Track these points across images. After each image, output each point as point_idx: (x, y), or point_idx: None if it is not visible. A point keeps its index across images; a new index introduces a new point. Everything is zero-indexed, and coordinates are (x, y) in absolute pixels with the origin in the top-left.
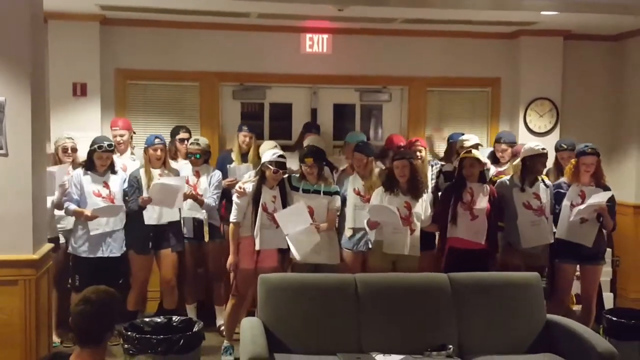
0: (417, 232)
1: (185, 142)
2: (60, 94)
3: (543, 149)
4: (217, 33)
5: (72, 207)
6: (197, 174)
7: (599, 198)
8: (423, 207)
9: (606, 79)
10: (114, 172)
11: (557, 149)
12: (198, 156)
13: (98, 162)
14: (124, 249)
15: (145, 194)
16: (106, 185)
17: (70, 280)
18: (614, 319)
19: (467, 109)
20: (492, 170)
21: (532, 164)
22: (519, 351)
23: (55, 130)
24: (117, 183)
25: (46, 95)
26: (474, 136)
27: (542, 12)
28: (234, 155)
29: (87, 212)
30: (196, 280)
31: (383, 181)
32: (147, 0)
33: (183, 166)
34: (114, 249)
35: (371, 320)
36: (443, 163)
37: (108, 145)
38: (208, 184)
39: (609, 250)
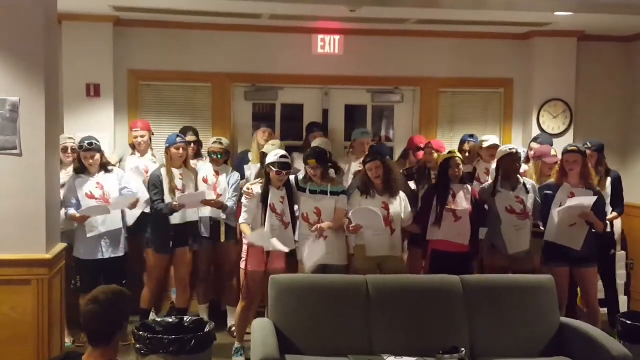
0: (398, 232)
1: (192, 144)
2: (74, 95)
3: (512, 149)
4: (229, 34)
5: (71, 211)
6: (217, 174)
7: (581, 201)
8: (402, 206)
9: (620, 80)
10: (108, 171)
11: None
12: (220, 156)
13: (84, 162)
14: (127, 249)
15: (167, 194)
16: (100, 185)
17: (72, 282)
18: (629, 322)
19: (479, 110)
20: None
21: (504, 165)
22: (532, 354)
23: (69, 130)
24: (112, 182)
25: (60, 95)
26: (493, 137)
27: (556, 13)
28: (251, 156)
29: (77, 215)
30: (208, 280)
31: (358, 185)
32: (160, 1)
33: (201, 166)
34: (115, 249)
35: (382, 321)
36: None
37: (88, 144)
38: (227, 184)
39: (623, 253)
